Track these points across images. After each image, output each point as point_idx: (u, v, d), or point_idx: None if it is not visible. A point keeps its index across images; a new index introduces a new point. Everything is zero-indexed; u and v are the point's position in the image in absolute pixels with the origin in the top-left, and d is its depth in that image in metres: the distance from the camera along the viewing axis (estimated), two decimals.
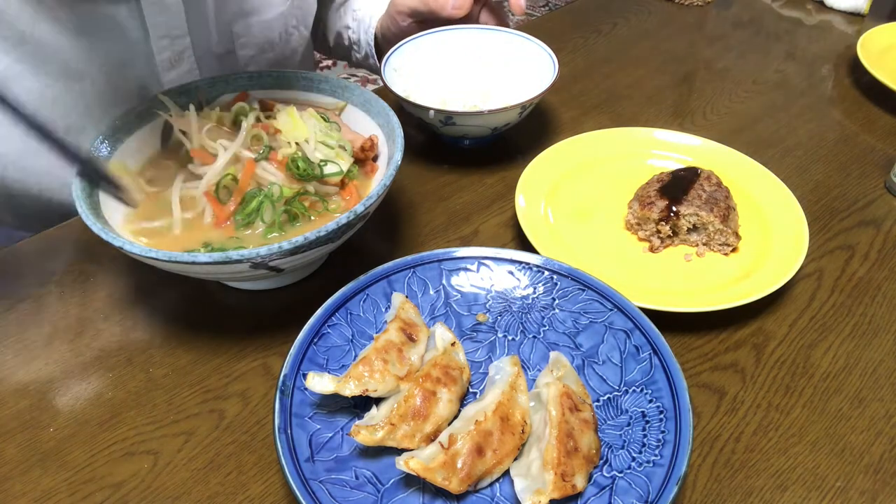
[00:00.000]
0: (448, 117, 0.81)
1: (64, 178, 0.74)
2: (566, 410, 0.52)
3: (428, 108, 0.80)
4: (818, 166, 0.90)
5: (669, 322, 0.63)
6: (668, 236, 0.75)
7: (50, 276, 0.73)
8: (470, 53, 0.95)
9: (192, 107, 0.71)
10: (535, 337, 0.62)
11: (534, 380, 0.59)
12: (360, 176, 0.71)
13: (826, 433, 0.59)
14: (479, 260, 0.66)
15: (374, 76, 3.02)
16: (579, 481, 0.49)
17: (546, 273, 0.65)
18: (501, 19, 0.97)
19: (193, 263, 0.55)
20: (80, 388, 0.62)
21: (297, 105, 0.74)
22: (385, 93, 0.83)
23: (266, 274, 0.61)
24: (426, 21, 0.95)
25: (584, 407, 0.53)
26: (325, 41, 1.17)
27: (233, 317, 0.69)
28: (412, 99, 0.82)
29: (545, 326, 0.62)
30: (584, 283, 0.63)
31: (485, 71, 0.94)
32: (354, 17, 1.09)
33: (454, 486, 0.49)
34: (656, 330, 0.58)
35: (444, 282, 0.65)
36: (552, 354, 0.59)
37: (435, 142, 0.92)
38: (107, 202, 0.65)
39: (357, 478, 0.51)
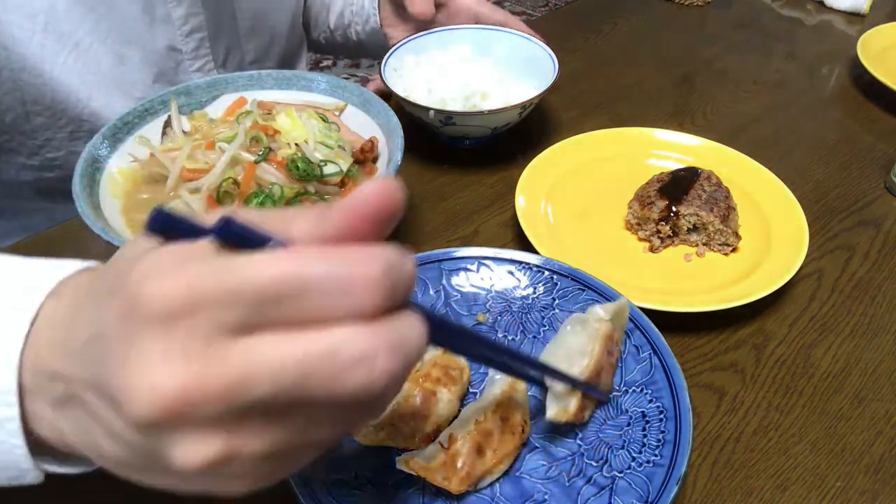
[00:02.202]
0: (448, 117, 0.81)
1: (78, 93, 0.78)
2: (605, 352, 0.54)
3: (428, 108, 0.80)
4: (818, 166, 0.90)
5: (669, 322, 0.63)
6: (668, 236, 0.75)
7: None
8: (469, 53, 0.95)
9: (179, 132, 0.71)
10: (535, 337, 0.62)
11: None
12: (361, 176, 0.71)
13: (826, 433, 0.59)
14: (479, 260, 0.66)
15: (374, 76, 3.00)
16: (586, 414, 0.53)
17: (546, 273, 0.65)
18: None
19: None
20: None
21: (297, 106, 0.74)
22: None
23: None
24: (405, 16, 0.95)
25: (615, 352, 0.56)
26: (326, 27, 1.15)
27: None
28: (412, 99, 0.82)
29: (545, 326, 0.62)
30: (584, 283, 0.63)
31: (485, 71, 0.94)
32: None
33: (454, 486, 0.49)
34: (656, 330, 0.58)
35: (444, 282, 0.65)
36: (617, 303, 0.59)
37: (435, 142, 0.92)
38: (106, 202, 0.65)
39: (357, 478, 0.51)
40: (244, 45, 0.94)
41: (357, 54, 0.96)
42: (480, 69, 0.94)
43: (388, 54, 0.90)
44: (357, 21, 1.07)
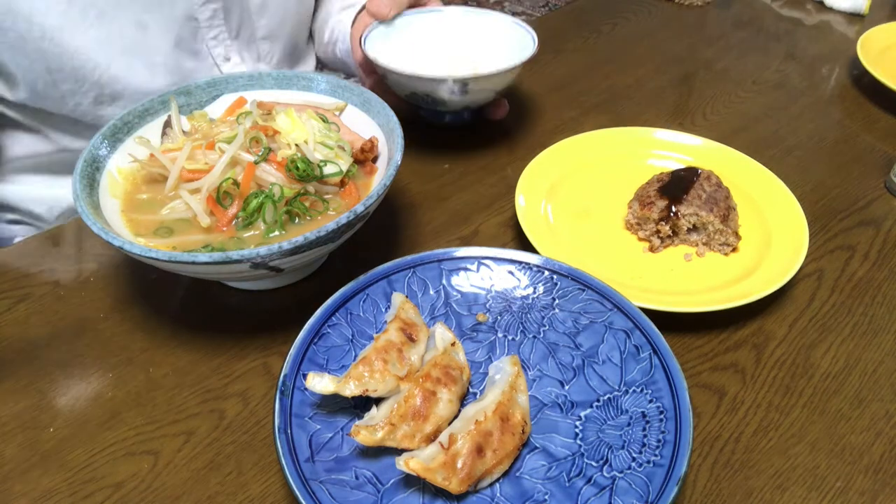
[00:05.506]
0: (464, 84, 0.81)
1: (97, 59, 0.83)
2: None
3: (444, 79, 0.79)
4: (818, 166, 0.90)
5: (669, 322, 0.63)
6: (668, 236, 0.75)
7: (50, 275, 0.73)
8: (439, 34, 0.95)
9: (179, 133, 0.72)
10: (535, 337, 0.62)
11: (534, 380, 0.59)
12: (361, 176, 0.71)
13: (826, 433, 0.59)
14: (479, 260, 0.66)
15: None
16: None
17: (546, 273, 0.65)
18: None
19: (193, 263, 0.55)
20: (80, 388, 0.62)
21: (297, 106, 0.74)
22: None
23: (266, 274, 0.61)
24: None
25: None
26: (321, 42, 1.17)
27: (233, 317, 0.69)
28: (421, 74, 0.81)
29: (545, 326, 0.62)
30: (584, 283, 0.63)
31: (454, 50, 0.95)
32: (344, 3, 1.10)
33: (454, 486, 0.49)
34: (656, 330, 0.58)
35: (444, 282, 0.65)
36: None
37: (435, 142, 0.92)
38: (106, 202, 0.65)
39: (357, 478, 0.51)
40: (256, 20, 0.98)
41: (345, 71, 1.01)
42: (452, 49, 0.95)
43: (363, 37, 0.89)
44: (340, 38, 1.09)
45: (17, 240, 0.98)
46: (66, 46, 0.80)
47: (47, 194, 0.96)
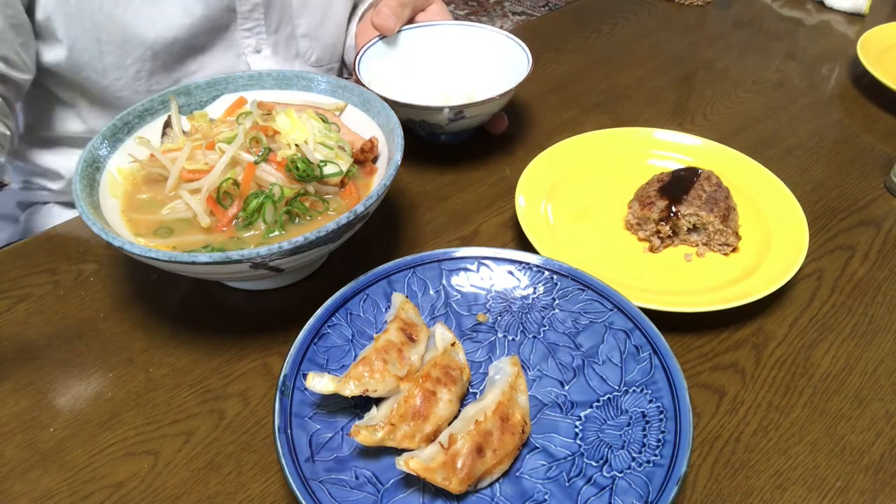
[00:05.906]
0: (459, 112, 0.81)
1: (145, 36, 0.86)
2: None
3: (441, 108, 0.80)
4: (818, 166, 0.90)
5: (669, 322, 0.63)
6: (668, 236, 0.75)
7: (50, 275, 0.73)
8: (433, 52, 0.95)
9: (179, 133, 0.72)
10: (535, 337, 0.62)
11: (534, 380, 0.59)
12: (361, 176, 0.71)
13: (826, 433, 0.59)
14: (479, 260, 0.66)
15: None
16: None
17: (546, 273, 0.65)
18: None
19: (193, 263, 0.55)
20: (80, 388, 0.62)
21: (297, 106, 0.74)
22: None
23: (266, 274, 0.61)
24: None
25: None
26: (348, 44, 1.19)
27: (233, 317, 0.69)
28: (417, 102, 0.82)
29: (545, 326, 0.62)
30: (584, 283, 0.63)
31: (449, 68, 0.95)
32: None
33: (454, 486, 0.49)
34: (656, 330, 0.58)
35: (444, 282, 0.65)
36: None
37: (435, 142, 0.92)
38: (106, 202, 0.65)
39: (357, 478, 0.51)
40: (296, 17, 1.00)
41: None
42: (445, 67, 0.95)
43: (357, 60, 0.89)
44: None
45: (33, 205, 1.04)
46: (117, 21, 0.84)
47: (71, 160, 0.99)
